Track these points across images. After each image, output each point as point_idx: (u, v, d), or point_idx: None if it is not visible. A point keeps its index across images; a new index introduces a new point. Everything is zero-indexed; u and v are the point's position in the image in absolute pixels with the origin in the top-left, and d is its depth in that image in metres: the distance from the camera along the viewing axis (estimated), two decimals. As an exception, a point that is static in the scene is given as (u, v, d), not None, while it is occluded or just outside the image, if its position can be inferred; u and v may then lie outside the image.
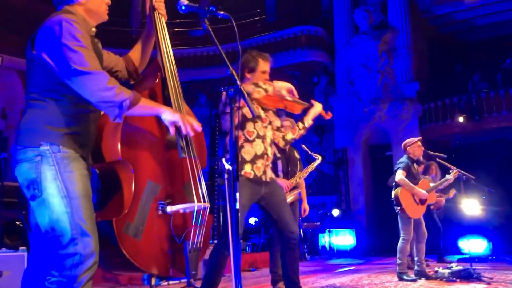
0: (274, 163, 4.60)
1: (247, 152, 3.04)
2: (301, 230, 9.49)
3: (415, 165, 5.80)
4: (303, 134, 3.48)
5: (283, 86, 3.08)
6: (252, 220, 10.49)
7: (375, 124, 12.21)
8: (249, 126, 3.11)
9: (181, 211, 2.00)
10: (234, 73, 1.94)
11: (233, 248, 1.78)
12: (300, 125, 3.42)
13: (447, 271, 5.60)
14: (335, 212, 11.39)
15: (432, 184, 6.02)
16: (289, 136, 3.42)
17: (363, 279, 5.86)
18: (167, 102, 2.07)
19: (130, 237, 1.88)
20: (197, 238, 2.02)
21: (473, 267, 5.66)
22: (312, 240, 10.41)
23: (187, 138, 2.03)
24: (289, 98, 3.06)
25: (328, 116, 3.44)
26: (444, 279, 5.38)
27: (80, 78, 1.71)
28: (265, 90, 2.92)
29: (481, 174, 10.30)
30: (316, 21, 14.57)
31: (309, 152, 5.30)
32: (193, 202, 2.01)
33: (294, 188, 4.74)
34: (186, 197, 2.06)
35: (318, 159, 5.07)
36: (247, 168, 2.98)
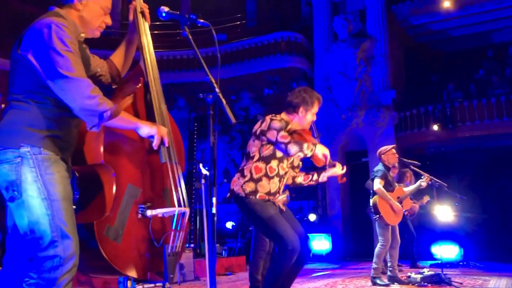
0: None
1: (262, 186, 3.08)
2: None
3: (390, 172, 5.94)
4: (312, 185, 3.49)
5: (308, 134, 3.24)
6: (229, 225, 10.51)
7: (352, 130, 12.39)
8: (274, 163, 3.12)
9: (161, 215, 2.02)
10: (213, 80, 1.98)
11: (208, 252, 1.81)
12: (315, 176, 3.40)
13: (419, 276, 5.75)
14: (312, 217, 11.50)
15: (406, 190, 6.16)
16: (299, 180, 3.41)
17: (337, 283, 5.95)
18: (149, 107, 2.09)
19: (110, 240, 1.89)
20: (176, 242, 2.05)
21: (444, 273, 5.82)
22: (289, 245, 10.46)
23: (170, 143, 2.06)
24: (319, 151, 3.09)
25: (342, 181, 3.43)
26: (416, 284, 5.52)
27: (64, 83, 1.71)
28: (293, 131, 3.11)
29: (454, 181, 10.60)
30: (296, 28, 14.74)
31: None
32: (173, 206, 2.04)
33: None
34: (165, 201, 2.08)
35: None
36: (261, 195, 3.07)
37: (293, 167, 3.36)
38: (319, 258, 10.59)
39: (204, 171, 1.87)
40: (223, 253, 8.61)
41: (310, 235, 10.73)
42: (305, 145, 2.91)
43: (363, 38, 12.78)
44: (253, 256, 4.59)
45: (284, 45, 14.24)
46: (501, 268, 8.10)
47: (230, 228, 10.28)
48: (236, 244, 9.06)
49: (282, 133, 3.00)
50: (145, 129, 1.96)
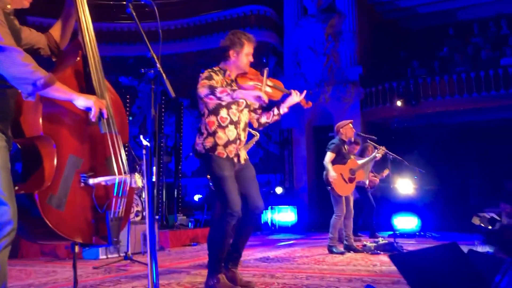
0: None
1: (219, 138, 3.20)
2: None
3: (346, 146, 6.15)
4: (277, 119, 3.57)
5: (255, 73, 3.29)
6: (196, 197, 10.67)
7: (319, 106, 12.59)
8: (223, 112, 3.22)
9: (103, 183, 2.13)
10: (154, 56, 2.07)
11: (149, 220, 1.93)
12: (275, 111, 3.50)
13: (373, 244, 6.06)
14: (279, 190, 11.77)
15: (360, 162, 6.40)
16: (263, 120, 3.51)
17: (296, 252, 6.20)
18: (88, 79, 2.17)
19: (53, 208, 1.99)
20: (118, 208, 2.17)
21: (397, 241, 6.14)
22: (255, 217, 10.72)
23: (109, 114, 2.15)
24: (269, 83, 3.21)
25: (308, 105, 3.54)
26: (370, 252, 5.82)
27: None
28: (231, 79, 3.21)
29: (417, 155, 10.99)
30: (266, 1, 14.68)
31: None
32: (115, 174, 2.16)
33: None
34: (108, 170, 2.19)
35: (256, 136, 5.23)
36: (220, 149, 3.18)
37: (255, 111, 3.47)
38: (284, 229, 10.91)
39: (145, 142, 1.98)
40: (189, 224, 8.78)
41: (276, 207, 11.08)
42: (218, 89, 2.97)
43: (332, 13, 12.86)
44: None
45: (254, 18, 14.20)
46: (456, 237, 8.49)
47: (197, 200, 10.45)
48: (203, 216, 9.24)
49: (200, 82, 3.09)
50: (81, 101, 2.01)
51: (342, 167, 5.86)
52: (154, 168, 1.89)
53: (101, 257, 5.58)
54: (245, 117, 3.37)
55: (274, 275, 4.03)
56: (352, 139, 6.26)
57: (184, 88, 14.98)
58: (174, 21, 14.88)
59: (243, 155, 3.36)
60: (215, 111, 3.21)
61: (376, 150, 6.40)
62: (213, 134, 3.19)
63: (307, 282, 3.65)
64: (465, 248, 4.69)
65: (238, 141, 3.28)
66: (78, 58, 2.19)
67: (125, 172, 2.20)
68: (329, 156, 5.79)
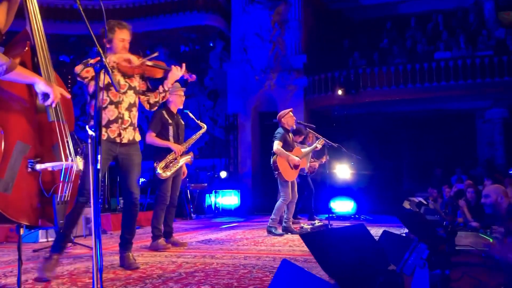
0: (166, 129, 4.87)
1: (103, 119, 3.37)
2: (188, 190, 9.91)
3: (290, 134, 6.44)
4: (165, 96, 3.77)
5: (132, 57, 3.46)
6: (139, 181, 10.66)
7: (265, 92, 12.86)
8: (102, 94, 3.37)
9: (50, 169, 2.23)
10: (101, 50, 2.17)
11: (94, 205, 2.06)
12: (161, 88, 3.69)
13: (310, 227, 6.44)
14: (223, 174, 11.99)
15: (303, 150, 6.73)
16: (153, 100, 3.70)
17: (237, 234, 6.46)
18: (36, 69, 2.25)
19: (0, 191, 2.08)
20: (65, 192, 2.28)
21: (331, 224, 6.56)
22: (199, 200, 10.89)
23: (57, 103, 2.25)
24: (149, 63, 3.39)
25: (192, 78, 3.79)
26: (299, 234, 6.18)
27: None
28: (114, 62, 3.34)
29: (354, 142, 11.55)
30: (214, -15, 14.65)
31: (196, 121, 5.49)
32: (61, 161, 2.26)
33: (186, 152, 5.04)
34: (55, 156, 2.29)
35: (204, 128, 5.36)
36: (103, 133, 3.34)
37: (143, 93, 3.66)
38: (228, 212, 11.17)
39: (90, 132, 2.10)
40: (133, 208, 8.79)
41: (220, 191, 11.29)
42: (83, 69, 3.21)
43: (278, 1, 13.07)
44: (154, 210, 4.91)
45: (202, 2, 14.15)
46: (387, 220, 9.08)
47: (140, 184, 10.45)
48: (146, 199, 9.28)
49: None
50: (42, 85, 2.12)
51: (289, 153, 6.14)
52: (99, 156, 2.02)
53: (41, 240, 5.55)
54: (129, 98, 3.52)
55: (214, 256, 4.24)
56: (294, 127, 6.54)
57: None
58: (120, 1, 14.55)
59: (128, 135, 3.50)
60: (94, 95, 3.39)
61: (317, 141, 6.76)
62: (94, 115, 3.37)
63: (245, 261, 3.89)
64: (395, 230, 5.11)
65: (120, 120, 3.45)
66: (27, 48, 2.26)
67: (71, 159, 2.31)
68: (277, 144, 6.05)
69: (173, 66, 3.63)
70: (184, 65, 3.69)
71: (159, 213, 4.87)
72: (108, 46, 3.46)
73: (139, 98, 3.65)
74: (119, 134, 3.45)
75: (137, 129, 3.63)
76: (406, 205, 8.59)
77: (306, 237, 1.39)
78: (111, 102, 3.42)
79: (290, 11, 12.98)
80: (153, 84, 3.84)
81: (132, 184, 3.51)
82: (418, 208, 7.89)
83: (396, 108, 13.21)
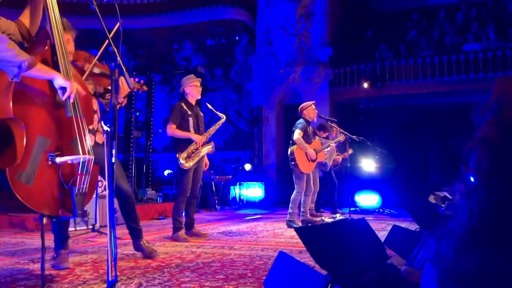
0: (186, 120, 4.98)
1: None
2: (212, 182, 10.07)
3: (310, 126, 6.47)
4: (125, 103, 3.74)
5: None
6: (166, 172, 10.89)
7: (289, 85, 12.86)
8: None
9: (69, 161, 2.35)
10: (115, 50, 2.27)
11: (109, 198, 2.17)
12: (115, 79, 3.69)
13: (330, 220, 6.47)
14: (247, 167, 12.09)
15: (323, 146, 6.75)
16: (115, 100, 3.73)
17: (258, 226, 6.55)
18: (56, 66, 2.37)
19: (22, 183, 2.21)
20: (83, 184, 2.40)
21: (352, 217, 6.56)
22: (224, 192, 11.04)
23: (75, 99, 2.37)
24: (96, 71, 3.33)
25: (143, 89, 3.86)
26: (294, 227, 6.21)
27: None
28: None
29: (380, 135, 11.44)
30: (239, -21, 14.71)
31: (214, 111, 5.61)
32: (79, 154, 2.38)
33: (205, 142, 5.15)
34: (74, 150, 2.41)
35: (223, 118, 5.46)
36: None
37: (98, 95, 3.64)
38: (252, 204, 11.28)
39: (106, 128, 2.20)
40: (158, 199, 9.02)
41: (245, 183, 11.41)
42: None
43: (304, -7, 13.01)
44: (175, 202, 5.04)
45: (227, -4, 14.23)
46: (412, 214, 8.97)
47: (166, 175, 10.67)
48: (171, 190, 9.48)
49: None
50: (60, 80, 2.26)
51: (307, 146, 6.17)
52: (114, 151, 2.12)
53: (69, 229, 5.77)
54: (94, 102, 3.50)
55: (232, 247, 4.34)
56: (315, 120, 6.55)
57: (155, 63, 15.01)
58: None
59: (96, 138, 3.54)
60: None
61: (332, 139, 6.80)
62: None
63: (262, 253, 3.97)
64: (415, 226, 5.09)
65: (95, 123, 3.52)
66: (46, 47, 2.38)
67: (89, 153, 2.43)
68: (297, 133, 6.08)
69: (120, 78, 3.18)
70: (132, 79, 3.65)
71: (180, 205, 5.00)
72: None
73: (99, 101, 3.64)
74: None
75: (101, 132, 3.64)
76: (432, 199, 8.47)
77: (299, 230, 1.45)
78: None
79: (315, 3, 12.90)
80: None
81: (118, 179, 3.51)
82: (442, 203, 7.79)
83: (423, 101, 12.98)
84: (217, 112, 5.53)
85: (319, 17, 12.85)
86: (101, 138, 3.61)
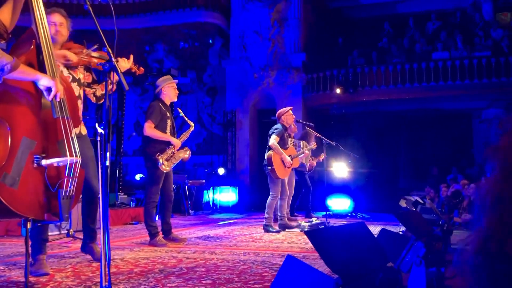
0: (164, 122, 4.87)
1: None
2: (186, 186, 9.96)
3: (287, 132, 6.49)
4: (114, 88, 3.78)
5: (76, 46, 3.44)
6: (137, 176, 10.70)
7: (263, 89, 12.90)
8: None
9: (55, 164, 2.27)
10: (110, 50, 2.21)
11: (102, 202, 2.11)
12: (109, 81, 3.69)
13: (307, 224, 6.50)
14: (221, 171, 12.03)
15: (297, 153, 6.79)
16: (99, 92, 3.70)
17: (235, 230, 6.51)
18: (41, 67, 2.29)
19: (7, 186, 2.12)
20: (70, 187, 2.32)
21: (329, 221, 6.63)
22: (197, 197, 10.93)
23: (61, 100, 2.29)
24: (94, 55, 3.38)
25: (140, 71, 3.80)
26: (303, 231, 6.24)
27: None
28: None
29: (352, 140, 11.62)
30: (214, -18, 14.67)
31: (185, 118, 5.47)
32: (66, 156, 2.30)
33: (181, 147, 5.06)
34: (60, 152, 2.32)
35: (192, 126, 5.38)
36: None
37: (89, 85, 3.66)
38: (225, 209, 11.22)
39: (100, 130, 2.14)
40: (131, 203, 8.85)
41: (218, 187, 11.34)
42: None
43: (278, -1, 13.10)
44: (145, 208, 4.93)
45: (201, -1, 14.17)
46: (384, 218, 9.15)
47: (139, 179, 10.49)
48: (144, 195, 9.31)
49: None
50: (45, 80, 2.20)
51: (283, 152, 6.18)
52: (108, 153, 2.06)
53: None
54: (75, 90, 3.46)
55: (214, 252, 4.30)
56: (293, 125, 6.58)
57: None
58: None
59: (78, 129, 3.48)
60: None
61: (309, 146, 6.90)
62: None
63: (244, 257, 3.95)
64: (392, 228, 5.17)
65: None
66: (32, 47, 2.29)
67: (76, 154, 2.35)
68: (274, 138, 6.07)
69: (119, 58, 3.55)
70: (131, 56, 3.65)
71: (150, 211, 4.86)
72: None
73: (84, 90, 3.62)
74: None
75: (83, 123, 3.63)
76: (403, 203, 8.66)
77: (310, 234, 1.44)
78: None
79: (289, 9, 13.01)
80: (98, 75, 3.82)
81: (91, 177, 3.52)
82: (414, 207, 7.95)
83: (394, 107, 13.27)
84: (187, 120, 5.40)
85: (293, 22, 12.97)
86: (84, 129, 3.57)
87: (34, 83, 2.26)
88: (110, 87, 3.61)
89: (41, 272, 3.13)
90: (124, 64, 3.58)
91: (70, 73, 3.49)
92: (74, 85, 3.46)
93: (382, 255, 1.60)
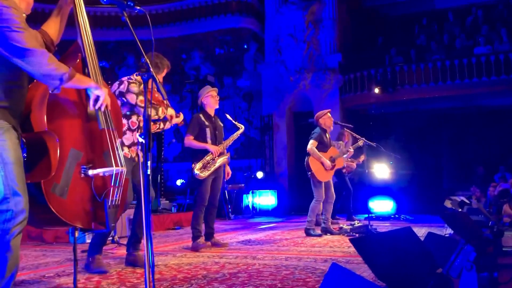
0: (203, 131, 4.99)
1: (127, 139, 3.67)
2: (225, 191, 10.03)
3: (327, 134, 6.43)
4: (182, 123, 4.17)
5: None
6: (179, 182, 10.88)
7: (299, 92, 12.85)
8: (134, 117, 3.73)
9: (101, 174, 2.33)
10: (148, 60, 2.26)
11: (145, 209, 2.14)
12: (161, 125, 3.95)
13: (349, 227, 6.40)
14: (259, 175, 12.05)
15: (340, 152, 6.72)
16: (161, 126, 3.95)
17: (276, 234, 6.50)
18: (87, 80, 2.37)
19: (56, 196, 2.20)
20: (116, 196, 2.38)
21: (371, 224, 6.50)
22: (237, 201, 10.99)
23: (106, 111, 2.36)
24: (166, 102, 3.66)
25: (181, 123, 4.22)
26: (346, 234, 6.15)
27: (25, 55, 1.97)
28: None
29: (392, 140, 11.38)
30: (247, -13, 14.77)
31: (233, 122, 5.57)
32: (112, 166, 2.37)
33: (222, 153, 5.14)
34: (105, 162, 2.39)
35: (241, 128, 5.44)
36: (126, 150, 3.62)
37: (153, 122, 3.89)
38: (265, 212, 11.22)
39: (140, 139, 2.19)
40: (173, 209, 8.99)
41: (257, 191, 11.36)
42: None
43: (312, 0, 13.03)
44: (194, 211, 5.03)
45: (235, 4, 14.28)
46: (428, 219, 8.91)
47: (180, 185, 10.65)
48: (185, 200, 9.45)
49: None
50: (96, 88, 2.29)
51: (324, 154, 6.13)
52: (149, 162, 2.10)
53: (87, 241, 5.74)
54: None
55: (255, 257, 4.30)
56: (331, 128, 6.51)
57: (166, 74, 15.05)
58: (155, 6, 14.85)
59: (139, 156, 3.75)
60: (126, 115, 3.75)
61: (353, 144, 6.76)
62: (122, 134, 3.66)
63: (286, 262, 3.93)
64: (437, 230, 5.01)
65: (137, 144, 3.76)
66: (78, 60, 2.38)
67: (121, 165, 2.41)
68: (311, 143, 6.05)
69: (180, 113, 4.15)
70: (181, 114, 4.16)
71: (198, 214, 4.98)
72: (160, 78, 3.86)
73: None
74: (137, 154, 3.76)
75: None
76: (448, 204, 8.38)
77: (355, 241, 1.41)
78: (138, 127, 3.77)
79: (324, 10, 12.92)
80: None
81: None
82: (460, 207, 7.69)
83: (435, 106, 12.91)
84: (235, 122, 5.50)
85: (328, 23, 12.86)
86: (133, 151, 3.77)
87: (80, 95, 2.34)
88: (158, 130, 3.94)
89: (102, 270, 3.40)
90: (176, 119, 3.98)
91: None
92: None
93: (431, 261, 1.55)
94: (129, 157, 3.60)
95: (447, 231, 5.74)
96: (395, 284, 1.25)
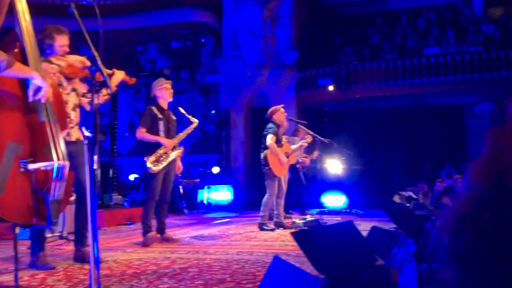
0: (156, 124, 4.90)
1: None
2: (180, 186, 9.94)
3: (280, 130, 6.49)
4: (108, 99, 3.92)
5: (76, 59, 3.51)
6: (132, 177, 10.68)
7: (256, 88, 12.89)
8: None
9: (42, 168, 2.26)
10: (96, 53, 2.20)
11: (90, 204, 2.10)
12: (104, 91, 3.77)
13: (301, 222, 6.51)
14: (215, 170, 12.02)
15: (293, 147, 6.79)
16: (95, 101, 3.78)
17: (230, 229, 6.51)
18: (27, 69, 2.27)
19: (-7, 191, 2.11)
20: (58, 191, 2.31)
21: (323, 218, 6.64)
22: (192, 196, 10.92)
23: (48, 103, 2.28)
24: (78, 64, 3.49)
25: (132, 81, 4.06)
26: (298, 228, 6.24)
27: None
28: (58, 66, 3.42)
29: (345, 137, 11.63)
30: (205, -19, 14.62)
31: (187, 116, 5.51)
32: (53, 160, 2.29)
33: (175, 147, 5.06)
34: (47, 156, 2.31)
35: (195, 122, 5.39)
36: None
37: (84, 95, 3.79)
38: (220, 207, 11.21)
39: (86, 133, 2.13)
40: (125, 204, 8.82)
41: (213, 186, 11.33)
42: None
43: (270, -4, 13.08)
44: (144, 206, 4.96)
45: (193, -2, 14.11)
46: (379, 214, 9.14)
47: (133, 180, 10.47)
48: (138, 195, 9.30)
49: None
50: (39, 79, 2.20)
51: (279, 150, 6.18)
52: (95, 156, 2.05)
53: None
54: (73, 99, 3.67)
55: (207, 252, 4.29)
56: (285, 123, 6.57)
57: (119, 65, 14.71)
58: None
59: (75, 134, 3.65)
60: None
61: (304, 139, 6.83)
62: None
63: (238, 257, 3.95)
64: (385, 225, 5.17)
65: (67, 120, 3.51)
66: (16, 50, 2.27)
67: (63, 158, 2.34)
68: (270, 138, 6.08)
69: (114, 70, 3.77)
70: (123, 72, 3.89)
71: (149, 209, 4.90)
72: (48, 51, 3.55)
73: (79, 99, 3.77)
74: (68, 133, 3.54)
75: (78, 128, 3.75)
76: (397, 199, 8.67)
77: (296, 235, 1.44)
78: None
79: (281, 7, 13.00)
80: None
81: (84, 182, 3.59)
82: (408, 202, 7.97)
83: (386, 104, 13.30)
84: (189, 116, 5.44)
85: (285, 20, 12.96)
86: (80, 135, 3.64)
87: (20, 86, 2.25)
88: (106, 97, 3.76)
89: (48, 266, 3.31)
90: (119, 75, 3.80)
91: (69, 83, 3.63)
92: (73, 94, 3.63)
93: (369, 254, 1.60)
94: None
95: (393, 225, 5.94)
96: (333, 277, 1.29)
